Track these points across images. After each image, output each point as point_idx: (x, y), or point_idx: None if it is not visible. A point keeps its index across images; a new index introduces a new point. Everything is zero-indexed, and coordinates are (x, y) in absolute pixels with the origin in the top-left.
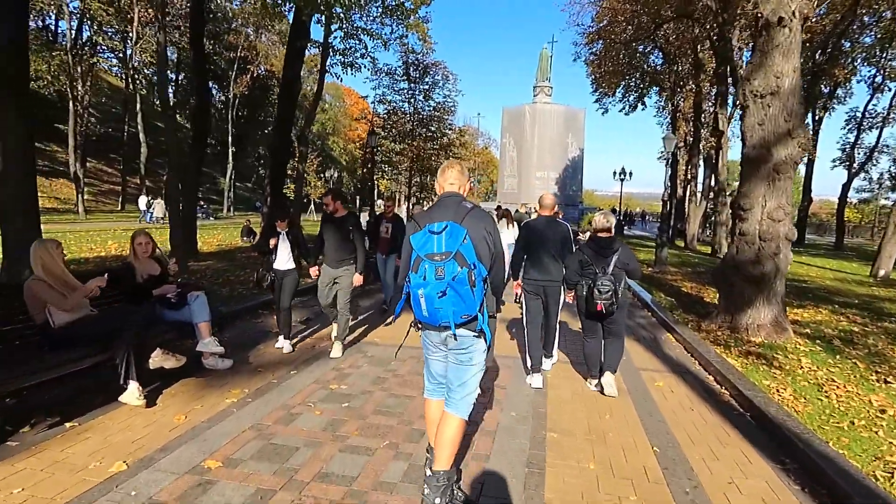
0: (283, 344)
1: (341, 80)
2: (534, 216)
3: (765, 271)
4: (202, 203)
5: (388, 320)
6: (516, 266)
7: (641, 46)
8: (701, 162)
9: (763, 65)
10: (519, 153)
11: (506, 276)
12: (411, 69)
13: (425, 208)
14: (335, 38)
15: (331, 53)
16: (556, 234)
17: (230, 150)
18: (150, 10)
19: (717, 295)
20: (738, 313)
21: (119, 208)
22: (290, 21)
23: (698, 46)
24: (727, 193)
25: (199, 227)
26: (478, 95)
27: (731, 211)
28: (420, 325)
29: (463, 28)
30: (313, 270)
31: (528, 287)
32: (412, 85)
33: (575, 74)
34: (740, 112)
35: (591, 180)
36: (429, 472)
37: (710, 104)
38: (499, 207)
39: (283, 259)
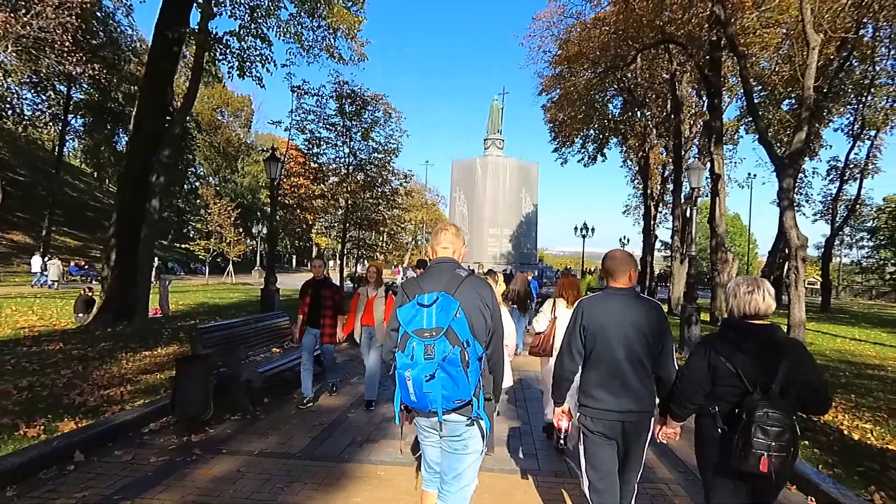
0: None
1: (223, 84)
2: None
3: None
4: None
5: None
6: (564, 380)
7: (600, 95)
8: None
9: None
10: (470, 208)
11: (504, 356)
12: (346, 103)
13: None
14: (217, 25)
15: (216, 48)
16: (645, 322)
17: None
18: None
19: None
20: None
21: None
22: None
23: (676, 84)
24: (726, 249)
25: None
26: (424, 149)
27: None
28: (409, 410)
29: (410, 79)
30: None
31: (595, 425)
32: (348, 121)
33: (528, 129)
34: None
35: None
36: None
37: (686, 147)
38: None
39: None
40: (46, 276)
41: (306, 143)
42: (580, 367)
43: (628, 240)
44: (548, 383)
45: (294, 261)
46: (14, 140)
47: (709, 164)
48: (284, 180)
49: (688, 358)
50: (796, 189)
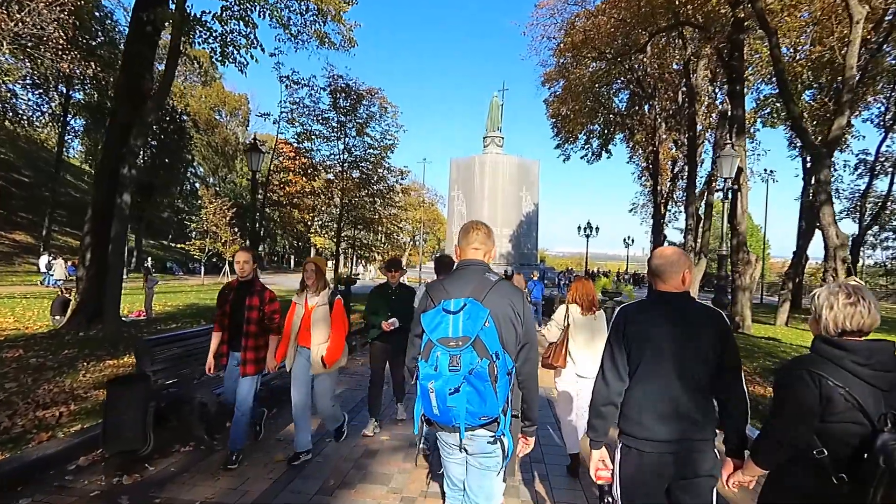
0: None
1: (214, 73)
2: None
3: None
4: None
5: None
6: (606, 405)
7: (606, 88)
8: (685, 211)
9: None
10: (469, 207)
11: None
12: (340, 98)
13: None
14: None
15: (195, 30)
16: (703, 332)
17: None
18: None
19: None
20: None
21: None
22: None
23: (691, 70)
24: (746, 249)
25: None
26: (421, 147)
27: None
28: (431, 423)
29: (407, 74)
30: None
31: (639, 458)
32: (342, 117)
33: (529, 127)
34: None
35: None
36: None
37: (699, 140)
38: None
39: None
40: (52, 275)
41: (296, 137)
42: (623, 391)
43: (633, 240)
44: (563, 407)
45: (292, 261)
46: (16, 141)
47: None
48: (274, 176)
49: (783, 386)
50: None
